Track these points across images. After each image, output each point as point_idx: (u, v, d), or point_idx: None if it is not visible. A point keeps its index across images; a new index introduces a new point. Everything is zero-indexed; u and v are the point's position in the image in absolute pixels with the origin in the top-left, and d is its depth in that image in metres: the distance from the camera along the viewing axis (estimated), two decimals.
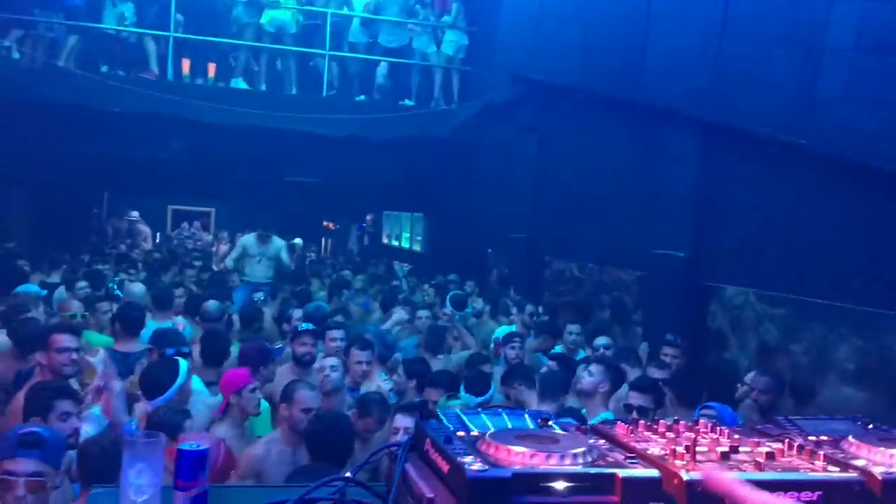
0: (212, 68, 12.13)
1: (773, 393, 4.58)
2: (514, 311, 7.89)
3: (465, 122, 11.46)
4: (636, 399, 4.12)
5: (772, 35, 5.64)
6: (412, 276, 10.96)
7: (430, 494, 1.46)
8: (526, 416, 1.76)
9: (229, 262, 9.49)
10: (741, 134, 5.91)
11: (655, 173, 6.68)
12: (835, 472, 1.46)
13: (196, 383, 4.53)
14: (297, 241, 10.95)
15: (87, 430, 3.70)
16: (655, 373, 5.04)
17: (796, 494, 1.42)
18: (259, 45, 11.78)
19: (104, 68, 11.31)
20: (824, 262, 5.30)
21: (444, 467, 1.46)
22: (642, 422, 1.73)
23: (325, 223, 18.79)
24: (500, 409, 1.76)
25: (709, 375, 5.45)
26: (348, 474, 1.60)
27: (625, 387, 4.92)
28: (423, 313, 7.39)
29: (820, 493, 1.42)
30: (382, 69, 12.69)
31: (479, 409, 1.77)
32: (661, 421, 1.75)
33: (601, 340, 6.21)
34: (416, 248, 15.15)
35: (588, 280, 9.37)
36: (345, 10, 12.39)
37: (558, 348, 6.44)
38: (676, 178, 6.30)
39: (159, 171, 11.62)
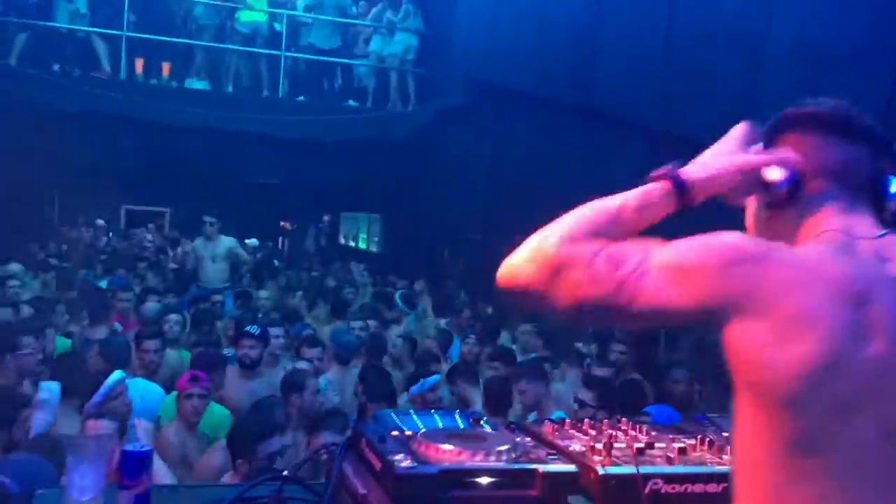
0: (166, 67, 12.05)
1: (690, 386, 4.79)
2: (467, 311, 8.00)
3: (422, 125, 11.55)
4: (583, 394, 4.31)
5: (715, 44, 5.83)
6: (372, 278, 10.99)
7: (363, 491, 1.55)
8: (456, 415, 1.85)
9: (191, 266, 9.25)
10: (687, 140, 6.06)
11: (605, 177, 6.83)
12: None
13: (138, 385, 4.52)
14: (253, 241, 10.93)
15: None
16: (599, 371, 5.19)
17: (703, 486, 1.54)
18: (215, 45, 11.74)
19: (56, 67, 11.17)
20: None
21: (377, 465, 1.55)
22: (568, 421, 1.84)
23: (282, 224, 18.71)
24: (431, 410, 1.85)
25: (653, 375, 5.61)
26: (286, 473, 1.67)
27: (562, 385, 5.12)
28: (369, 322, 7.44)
29: (725, 485, 1.54)
30: (335, 71, 12.75)
31: (410, 411, 1.86)
32: (586, 420, 1.86)
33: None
34: (374, 248, 15.20)
35: None
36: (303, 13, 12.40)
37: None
38: (624, 183, 6.46)
39: (113, 172, 11.49)
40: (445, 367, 5.69)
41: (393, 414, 1.82)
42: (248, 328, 5.32)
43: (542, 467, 1.50)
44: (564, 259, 1.24)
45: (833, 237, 1.27)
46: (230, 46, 11.88)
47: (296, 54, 12.15)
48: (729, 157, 1.41)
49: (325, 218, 18.13)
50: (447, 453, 1.52)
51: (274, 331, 5.73)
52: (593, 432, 1.76)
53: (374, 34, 12.41)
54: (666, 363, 6.15)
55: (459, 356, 6.02)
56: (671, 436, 1.76)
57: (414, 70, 12.35)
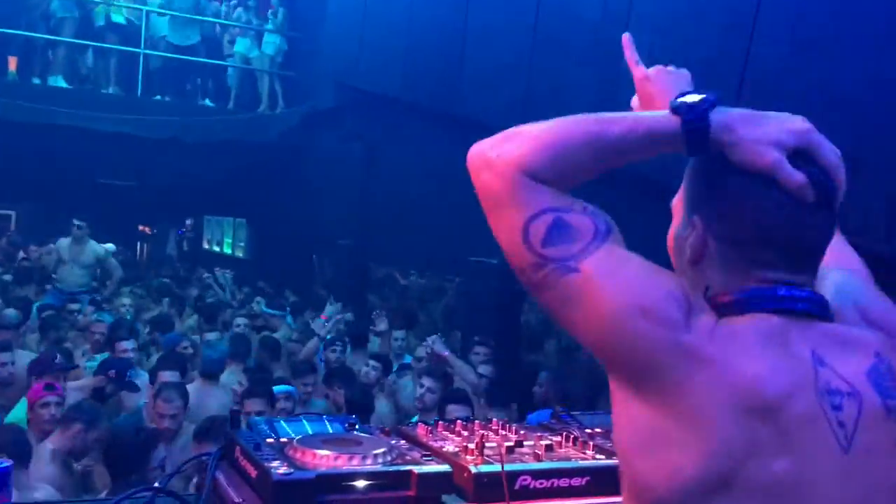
0: (12, 62, 11.30)
1: (557, 388, 4.94)
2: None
3: (290, 128, 11.39)
4: (456, 412, 4.16)
5: (577, 54, 6.08)
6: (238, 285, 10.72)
7: (238, 499, 1.54)
8: (326, 422, 1.86)
9: (50, 268, 8.87)
10: None
11: (471, 183, 6.97)
12: (601, 460, 1.68)
13: None
14: (110, 246, 10.39)
15: None
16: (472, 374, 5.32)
17: (568, 480, 1.63)
18: (64, 39, 11.12)
19: None
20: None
21: (253, 473, 1.55)
22: (441, 422, 1.89)
23: (140, 227, 17.94)
24: (300, 417, 1.86)
25: (520, 377, 5.78)
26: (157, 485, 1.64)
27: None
28: (240, 321, 7.32)
29: (588, 478, 1.63)
30: (199, 71, 12.38)
31: (281, 419, 1.86)
32: (458, 421, 1.91)
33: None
34: (239, 253, 14.84)
35: (412, 286, 9.61)
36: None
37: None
38: None
39: None
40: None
41: (267, 422, 1.82)
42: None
43: (417, 468, 1.53)
44: (507, 190, 1.10)
45: (764, 318, 1.07)
46: (84, 42, 11.30)
47: (154, 52, 11.68)
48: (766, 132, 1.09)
49: (188, 222, 17.55)
50: (323, 458, 1.53)
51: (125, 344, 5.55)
52: (465, 433, 1.82)
53: (241, 36, 12.14)
54: (529, 365, 6.36)
55: (325, 362, 5.99)
56: (538, 434, 1.85)
57: (281, 73, 12.17)
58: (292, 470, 1.47)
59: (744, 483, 1.00)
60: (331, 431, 1.76)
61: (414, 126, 8.23)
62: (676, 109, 1.12)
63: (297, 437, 1.65)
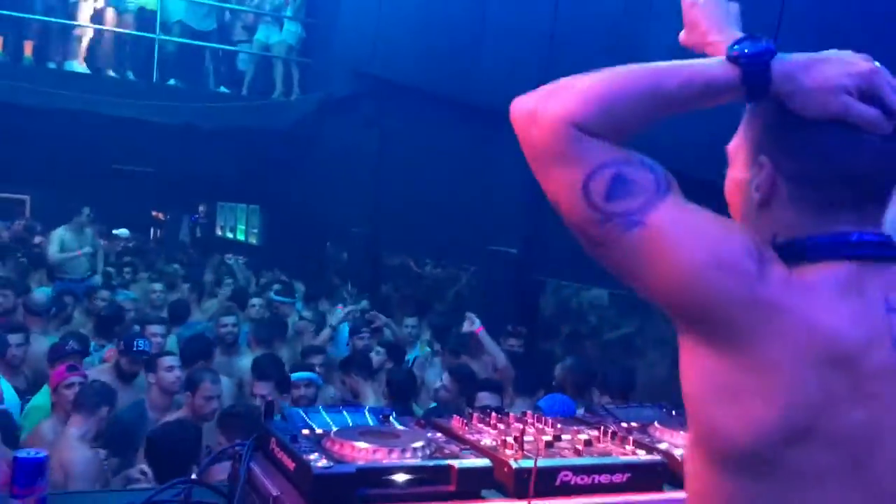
0: (28, 46, 11.30)
1: (578, 377, 4.86)
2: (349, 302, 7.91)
3: (305, 115, 11.34)
4: (486, 399, 4.08)
5: (596, 44, 6.03)
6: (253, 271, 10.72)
7: (275, 492, 1.52)
8: (366, 412, 1.84)
9: (53, 255, 8.81)
10: None
11: (490, 173, 6.95)
12: (642, 455, 1.66)
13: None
14: (123, 231, 10.40)
15: None
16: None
17: (609, 476, 1.60)
18: (77, 24, 11.10)
19: None
20: None
21: (291, 465, 1.53)
22: (476, 415, 1.87)
23: (154, 214, 17.97)
24: (340, 407, 1.84)
25: (542, 366, 5.75)
26: (194, 476, 1.62)
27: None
28: (255, 301, 7.30)
29: (629, 474, 1.61)
30: (214, 57, 12.35)
31: (320, 408, 1.84)
32: (493, 413, 1.89)
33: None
34: (253, 240, 14.84)
35: (426, 275, 9.58)
36: None
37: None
38: (509, 179, 6.60)
39: None
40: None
41: (302, 412, 1.80)
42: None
43: (457, 463, 1.51)
44: (561, 146, 1.05)
45: (838, 266, 1.04)
46: (99, 27, 11.28)
47: (169, 37, 11.65)
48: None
49: (201, 208, 17.56)
50: (362, 451, 1.51)
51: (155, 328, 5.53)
52: (501, 426, 1.80)
53: (260, 22, 12.08)
54: (547, 353, 6.35)
55: (352, 350, 5.96)
56: (575, 427, 1.82)
57: (298, 59, 12.13)
58: (332, 463, 1.45)
59: (821, 434, 1.00)
60: (370, 423, 1.74)
61: (430, 114, 8.17)
62: (735, 59, 1.07)
63: (335, 429, 1.62)
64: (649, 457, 1.65)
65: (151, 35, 11.49)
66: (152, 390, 4.47)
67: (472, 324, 5.43)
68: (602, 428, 1.79)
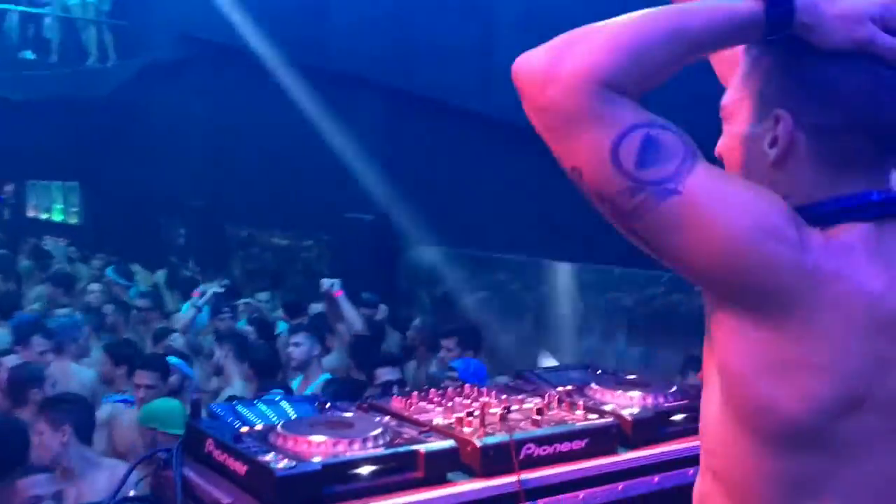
0: None
1: (428, 335, 4.87)
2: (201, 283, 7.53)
3: (125, 82, 10.54)
4: (386, 374, 3.94)
5: (450, 6, 5.98)
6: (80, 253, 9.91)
7: (227, 500, 1.37)
8: (286, 402, 1.71)
9: None
10: (424, 100, 6.22)
11: (343, 139, 6.76)
12: (595, 420, 1.64)
13: None
14: None
15: None
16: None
17: (569, 444, 1.57)
18: None
19: None
20: (501, 218, 5.85)
21: (241, 468, 1.38)
22: (415, 392, 1.78)
23: None
24: (277, 398, 1.69)
25: (402, 332, 5.73)
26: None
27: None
28: (94, 287, 6.82)
29: (587, 440, 1.59)
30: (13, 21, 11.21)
31: (255, 401, 1.68)
32: (431, 389, 1.81)
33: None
34: (73, 220, 13.73)
35: (277, 247, 9.25)
36: None
37: None
38: (363, 144, 6.46)
39: None
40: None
41: (231, 407, 1.64)
42: None
43: (423, 448, 1.42)
44: (584, 107, 0.96)
45: (861, 227, 1.01)
46: None
47: None
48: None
49: (7, 188, 16.06)
50: (321, 446, 1.39)
51: None
52: (447, 402, 1.72)
53: None
54: (406, 320, 6.33)
55: (216, 332, 5.65)
56: (519, 397, 1.77)
57: (111, 22, 11.23)
58: (293, 462, 1.32)
59: (873, 401, 0.97)
60: (311, 414, 1.61)
61: (272, 80, 7.81)
62: None
63: (280, 424, 1.48)
64: (603, 420, 1.63)
65: None
66: None
67: (332, 287, 5.27)
68: (547, 395, 1.75)
